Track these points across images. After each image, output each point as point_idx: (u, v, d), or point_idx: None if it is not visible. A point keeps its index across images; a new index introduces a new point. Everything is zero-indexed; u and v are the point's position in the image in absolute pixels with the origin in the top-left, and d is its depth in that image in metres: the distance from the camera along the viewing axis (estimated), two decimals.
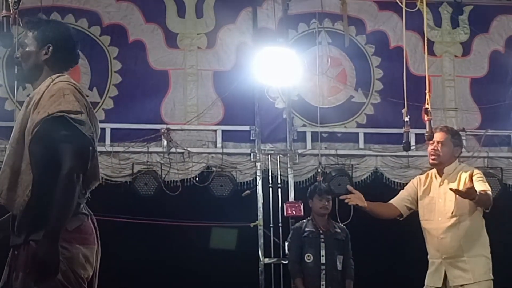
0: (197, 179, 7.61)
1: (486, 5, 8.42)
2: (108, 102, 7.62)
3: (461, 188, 4.80)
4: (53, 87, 3.15)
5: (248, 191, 7.62)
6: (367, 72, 8.11)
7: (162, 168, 7.53)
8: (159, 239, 7.37)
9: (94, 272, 3.22)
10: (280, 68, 7.52)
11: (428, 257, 5.14)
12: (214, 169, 7.64)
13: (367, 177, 7.89)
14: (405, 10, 6.03)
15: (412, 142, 7.26)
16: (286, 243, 6.86)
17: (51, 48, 3.26)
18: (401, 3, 6.02)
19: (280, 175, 7.74)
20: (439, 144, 5.11)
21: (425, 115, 5.43)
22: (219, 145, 7.73)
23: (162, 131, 7.60)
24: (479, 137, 8.06)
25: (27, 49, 3.28)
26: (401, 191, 5.39)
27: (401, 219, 5.29)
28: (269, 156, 7.77)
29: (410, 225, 5.34)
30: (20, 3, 4.03)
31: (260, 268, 7.54)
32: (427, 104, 5.57)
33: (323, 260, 6.34)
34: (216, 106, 7.79)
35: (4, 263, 3.17)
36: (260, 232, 7.60)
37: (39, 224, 3.00)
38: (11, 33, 3.95)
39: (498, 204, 4.93)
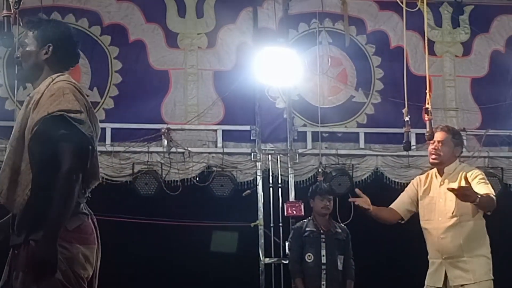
0: (197, 179, 7.61)
1: (486, 5, 8.42)
2: (108, 102, 7.62)
3: None
4: (53, 87, 3.14)
5: (248, 191, 7.62)
6: (368, 72, 8.11)
7: (163, 168, 7.53)
8: (160, 239, 7.36)
9: (94, 272, 3.21)
10: (281, 68, 7.52)
11: (428, 257, 5.12)
12: (214, 169, 7.64)
13: (367, 177, 7.89)
14: (406, 10, 6.04)
15: (413, 142, 7.25)
16: (287, 243, 6.86)
17: (51, 47, 3.26)
18: (402, 3, 6.02)
19: (281, 175, 7.74)
20: (440, 144, 5.09)
21: (426, 115, 5.42)
22: (219, 145, 7.72)
23: (163, 131, 7.60)
24: (479, 137, 8.06)
25: (27, 49, 3.27)
26: (401, 193, 5.35)
27: (403, 222, 5.28)
28: (269, 156, 7.77)
29: (410, 225, 5.32)
30: (21, 3, 4.04)
31: (260, 268, 7.54)
32: (428, 104, 5.57)
33: (323, 260, 6.34)
34: (216, 106, 7.79)
35: (4, 263, 3.16)
36: (261, 232, 7.60)
37: (38, 224, 2.99)
38: (11, 32, 3.96)
39: (498, 204, 4.91)
